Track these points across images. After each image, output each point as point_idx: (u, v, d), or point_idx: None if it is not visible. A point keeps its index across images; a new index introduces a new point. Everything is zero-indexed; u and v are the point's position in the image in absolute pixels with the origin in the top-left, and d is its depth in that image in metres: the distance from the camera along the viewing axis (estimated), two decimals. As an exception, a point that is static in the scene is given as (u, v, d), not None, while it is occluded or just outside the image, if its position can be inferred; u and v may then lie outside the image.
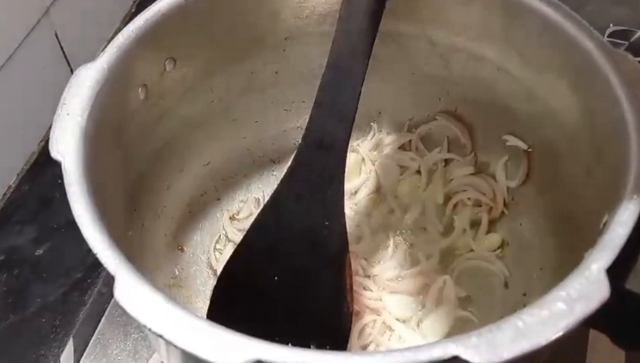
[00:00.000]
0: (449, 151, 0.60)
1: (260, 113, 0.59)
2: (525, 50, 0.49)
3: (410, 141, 0.61)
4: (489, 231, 0.57)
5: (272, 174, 0.62)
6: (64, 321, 0.58)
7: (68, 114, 0.40)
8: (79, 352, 0.56)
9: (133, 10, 0.82)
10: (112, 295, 0.58)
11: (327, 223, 0.50)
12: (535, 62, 0.49)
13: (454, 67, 0.55)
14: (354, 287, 0.52)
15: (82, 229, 0.35)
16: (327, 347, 0.44)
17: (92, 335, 0.56)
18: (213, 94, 0.54)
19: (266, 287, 0.50)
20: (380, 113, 0.61)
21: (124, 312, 0.57)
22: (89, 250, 0.61)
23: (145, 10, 0.46)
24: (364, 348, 0.51)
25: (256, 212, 0.55)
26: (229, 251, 0.56)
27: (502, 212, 0.57)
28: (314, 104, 0.48)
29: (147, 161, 0.50)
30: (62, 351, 0.56)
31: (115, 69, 0.43)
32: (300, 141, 0.50)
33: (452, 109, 0.58)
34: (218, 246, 0.58)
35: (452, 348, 0.29)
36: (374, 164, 0.61)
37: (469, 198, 0.58)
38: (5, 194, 0.66)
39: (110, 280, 0.60)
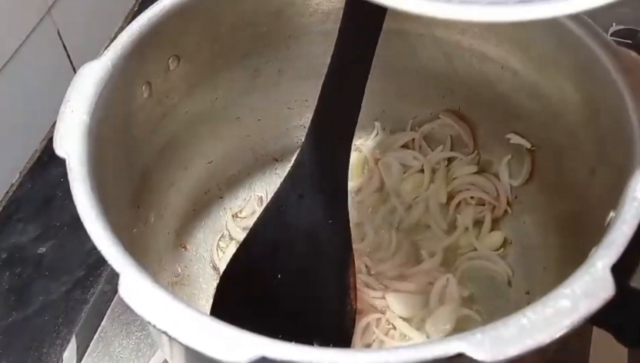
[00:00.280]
0: (452, 149, 0.60)
1: (264, 111, 0.59)
2: (529, 48, 0.49)
3: (413, 139, 0.61)
4: (492, 230, 0.57)
5: (275, 173, 0.62)
6: (67, 319, 0.58)
7: (72, 111, 0.40)
8: (81, 350, 0.56)
9: (136, 8, 0.82)
10: (114, 293, 0.59)
11: (330, 221, 0.50)
12: (539, 61, 0.49)
13: (457, 65, 0.55)
14: (357, 285, 0.52)
15: (87, 226, 0.35)
16: (331, 346, 0.44)
17: (94, 333, 0.56)
18: (216, 92, 0.54)
19: (269, 285, 0.50)
20: (383, 111, 0.61)
21: (126, 310, 0.57)
22: (92, 248, 0.61)
23: (149, 9, 0.46)
24: (368, 346, 0.51)
25: (259, 210, 0.55)
26: (231, 249, 0.56)
27: (505, 211, 0.57)
28: (316, 104, 0.48)
29: (151, 159, 0.50)
30: (64, 349, 0.56)
31: (120, 67, 0.43)
32: (303, 140, 0.50)
33: (455, 107, 0.58)
34: (221, 245, 0.58)
35: (457, 345, 0.29)
36: (377, 163, 0.61)
37: (472, 197, 0.58)
38: (7, 192, 0.66)
39: (112, 278, 0.61)
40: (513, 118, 0.54)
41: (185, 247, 0.56)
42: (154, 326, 0.31)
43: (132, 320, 0.57)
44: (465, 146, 0.59)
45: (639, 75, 0.40)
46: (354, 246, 0.51)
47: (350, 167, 0.49)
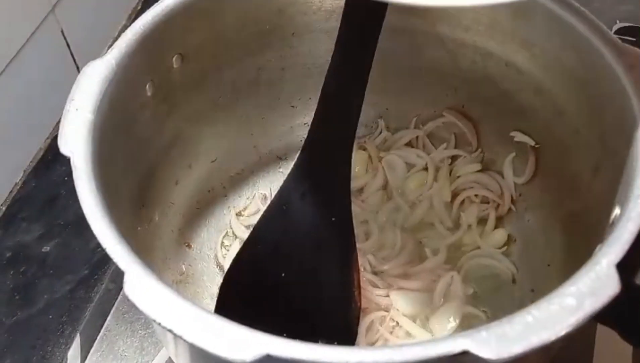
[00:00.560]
0: (456, 147, 0.60)
1: (267, 109, 0.59)
2: (533, 45, 0.49)
3: (417, 137, 0.61)
4: (496, 228, 0.57)
5: (279, 171, 0.62)
6: (71, 318, 0.58)
7: (77, 109, 0.40)
8: (85, 349, 0.56)
9: (139, 7, 0.82)
10: (118, 292, 0.59)
11: (333, 219, 0.50)
12: (543, 58, 0.48)
13: (461, 62, 0.54)
14: (362, 284, 0.52)
15: (92, 224, 0.35)
16: (335, 344, 0.44)
17: (99, 332, 0.56)
18: (220, 90, 0.54)
19: (273, 284, 0.50)
20: (387, 109, 0.61)
21: (131, 309, 0.57)
22: (96, 247, 0.62)
23: (152, 7, 0.46)
24: (372, 344, 0.51)
25: (263, 209, 0.55)
26: (235, 247, 0.56)
27: (510, 209, 0.57)
28: (318, 102, 0.48)
29: (155, 157, 0.50)
30: (69, 348, 0.56)
31: (124, 65, 0.43)
32: (306, 138, 0.50)
33: (459, 105, 0.58)
34: (225, 243, 0.58)
35: (461, 343, 0.29)
36: (380, 161, 0.61)
37: (476, 195, 0.58)
38: (12, 191, 0.66)
39: (117, 276, 0.61)
40: (517, 116, 0.53)
41: (189, 245, 0.56)
42: (159, 324, 0.31)
43: (136, 318, 0.57)
44: (469, 144, 0.59)
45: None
46: (358, 244, 0.51)
47: (353, 165, 0.49)
